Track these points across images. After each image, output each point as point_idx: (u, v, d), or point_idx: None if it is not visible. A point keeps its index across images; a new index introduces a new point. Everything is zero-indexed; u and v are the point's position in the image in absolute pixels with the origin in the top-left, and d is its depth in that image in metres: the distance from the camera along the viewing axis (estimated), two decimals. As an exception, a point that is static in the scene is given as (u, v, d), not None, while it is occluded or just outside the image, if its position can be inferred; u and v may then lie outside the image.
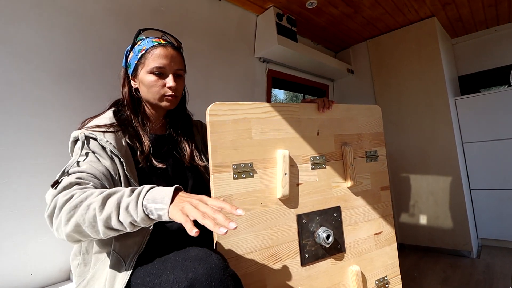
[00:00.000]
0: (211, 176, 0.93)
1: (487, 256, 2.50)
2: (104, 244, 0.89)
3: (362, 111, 1.31)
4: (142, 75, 1.00)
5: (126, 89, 1.04)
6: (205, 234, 1.02)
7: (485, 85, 3.21)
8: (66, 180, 0.79)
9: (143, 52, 0.99)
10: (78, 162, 0.85)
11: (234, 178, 0.96)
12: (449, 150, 2.61)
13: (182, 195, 0.72)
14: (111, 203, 0.71)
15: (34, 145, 1.23)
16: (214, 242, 0.91)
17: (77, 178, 0.80)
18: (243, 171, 0.98)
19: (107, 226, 0.71)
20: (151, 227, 0.89)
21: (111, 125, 0.95)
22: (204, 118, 0.98)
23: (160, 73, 0.99)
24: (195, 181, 1.08)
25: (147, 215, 0.70)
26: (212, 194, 0.92)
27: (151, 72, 0.98)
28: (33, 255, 1.21)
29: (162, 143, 1.07)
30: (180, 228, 0.99)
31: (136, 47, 1.02)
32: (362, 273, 1.17)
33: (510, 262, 2.31)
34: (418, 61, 2.75)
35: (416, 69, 2.76)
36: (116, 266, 0.86)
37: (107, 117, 0.98)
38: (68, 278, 1.30)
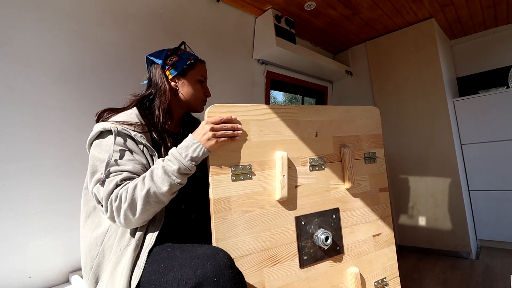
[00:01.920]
0: (210, 178, 0.93)
1: (486, 258, 2.50)
2: (124, 235, 0.93)
3: (360, 113, 1.31)
4: (192, 81, 1.15)
5: (168, 87, 1.11)
6: (207, 233, 1.04)
7: (483, 86, 3.22)
8: (113, 181, 0.87)
9: (192, 61, 1.14)
10: (116, 161, 0.90)
11: (233, 180, 0.96)
12: (448, 151, 2.62)
13: (195, 136, 0.92)
14: (157, 177, 0.86)
15: (33, 147, 1.23)
16: (214, 244, 0.91)
17: (122, 180, 0.88)
18: (242, 173, 0.98)
19: (170, 193, 0.88)
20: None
21: (140, 124, 1.00)
22: (203, 119, 0.98)
23: (202, 82, 1.18)
24: (203, 177, 1.12)
25: (191, 159, 0.89)
26: (210, 196, 0.92)
27: (199, 80, 1.16)
28: (32, 258, 1.21)
29: (180, 142, 1.10)
30: (184, 225, 1.04)
31: (182, 54, 1.15)
32: (361, 275, 1.17)
33: (509, 263, 2.31)
34: (416, 62, 2.75)
35: (414, 71, 2.77)
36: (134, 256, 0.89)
37: (134, 114, 1.03)
38: (67, 281, 1.29)
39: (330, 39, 2.96)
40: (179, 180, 0.88)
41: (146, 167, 0.95)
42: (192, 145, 0.91)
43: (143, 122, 1.02)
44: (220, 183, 0.94)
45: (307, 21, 2.52)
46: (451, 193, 2.61)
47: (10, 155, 1.17)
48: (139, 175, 0.92)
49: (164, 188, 0.86)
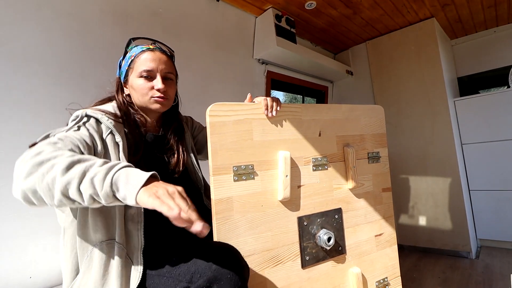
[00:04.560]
0: (211, 178, 0.92)
1: (486, 257, 2.50)
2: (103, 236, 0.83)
3: (364, 112, 1.30)
4: (132, 80, 1.00)
5: (120, 97, 1.03)
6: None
7: (484, 86, 3.21)
8: (46, 140, 0.75)
9: (133, 58, 1.01)
10: (66, 131, 0.82)
11: (235, 180, 0.95)
12: (449, 151, 2.61)
13: (157, 183, 0.66)
14: (78, 168, 0.65)
15: (33, 146, 1.22)
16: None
17: (58, 139, 0.75)
18: (244, 173, 0.97)
19: (64, 193, 0.64)
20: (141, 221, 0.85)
21: (115, 114, 0.94)
22: (203, 119, 0.97)
23: (148, 76, 0.99)
24: (183, 183, 1.01)
25: (113, 191, 0.64)
26: (212, 196, 0.92)
27: (140, 76, 0.99)
28: (33, 258, 1.20)
29: (159, 143, 1.05)
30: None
31: (127, 55, 1.04)
32: (362, 275, 1.16)
33: (509, 263, 2.31)
34: (417, 62, 2.75)
35: (415, 70, 2.76)
36: (124, 261, 0.82)
37: (110, 106, 0.97)
38: (67, 281, 1.29)
39: (331, 38, 2.95)
40: (82, 199, 0.65)
41: (95, 150, 0.85)
42: (132, 180, 0.64)
43: (118, 114, 0.95)
44: (222, 184, 0.93)
45: (307, 21, 2.51)
46: (451, 192, 2.61)
47: (10, 155, 1.16)
48: (79, 144, 0.79)
49: (66, 186, 0.63)
